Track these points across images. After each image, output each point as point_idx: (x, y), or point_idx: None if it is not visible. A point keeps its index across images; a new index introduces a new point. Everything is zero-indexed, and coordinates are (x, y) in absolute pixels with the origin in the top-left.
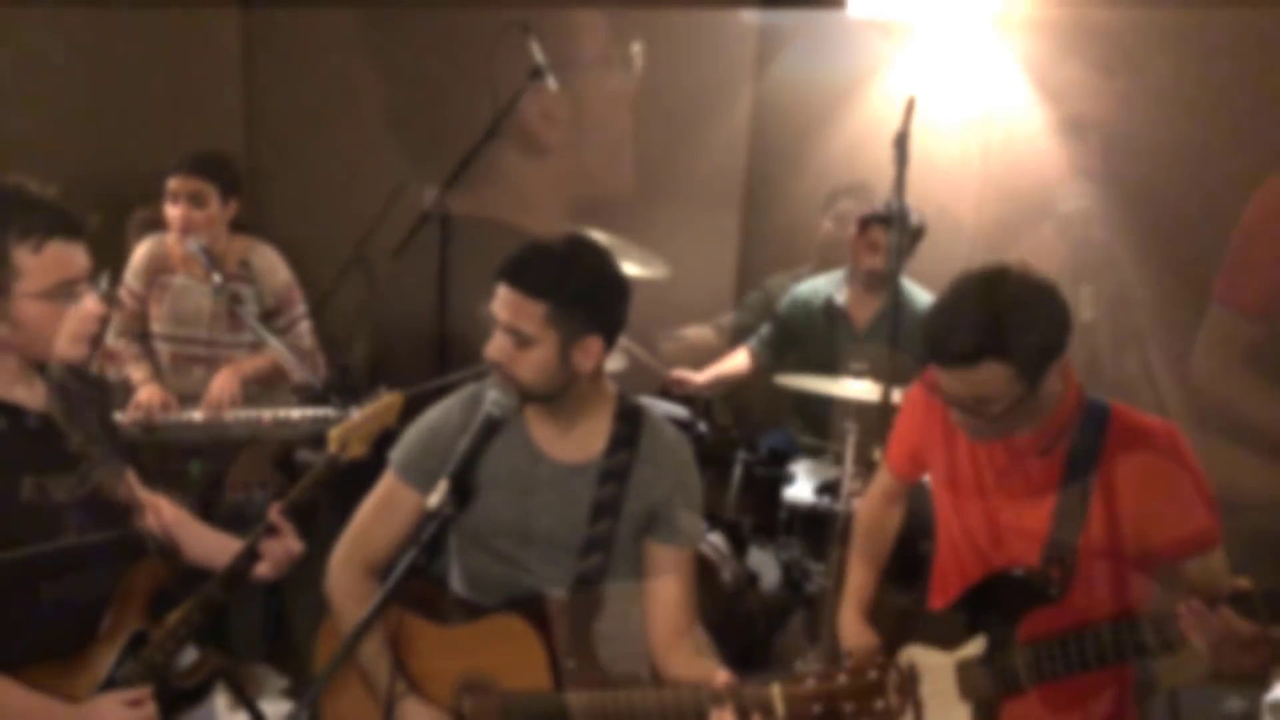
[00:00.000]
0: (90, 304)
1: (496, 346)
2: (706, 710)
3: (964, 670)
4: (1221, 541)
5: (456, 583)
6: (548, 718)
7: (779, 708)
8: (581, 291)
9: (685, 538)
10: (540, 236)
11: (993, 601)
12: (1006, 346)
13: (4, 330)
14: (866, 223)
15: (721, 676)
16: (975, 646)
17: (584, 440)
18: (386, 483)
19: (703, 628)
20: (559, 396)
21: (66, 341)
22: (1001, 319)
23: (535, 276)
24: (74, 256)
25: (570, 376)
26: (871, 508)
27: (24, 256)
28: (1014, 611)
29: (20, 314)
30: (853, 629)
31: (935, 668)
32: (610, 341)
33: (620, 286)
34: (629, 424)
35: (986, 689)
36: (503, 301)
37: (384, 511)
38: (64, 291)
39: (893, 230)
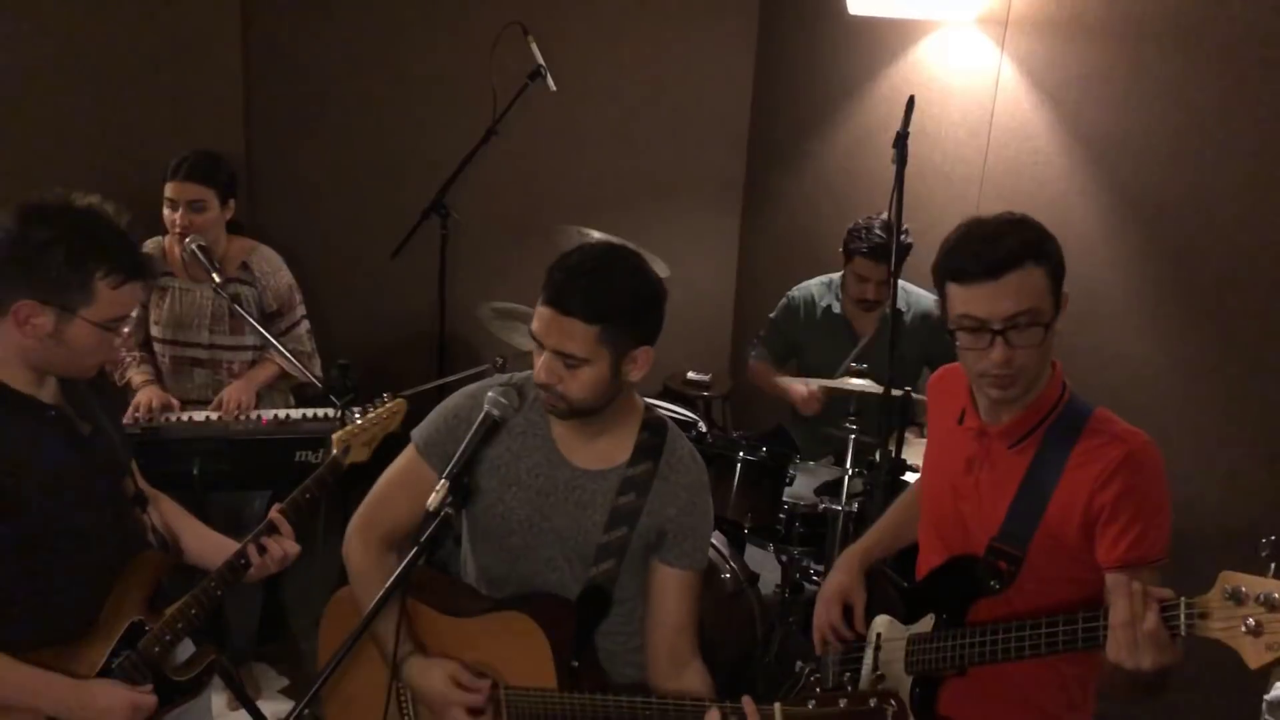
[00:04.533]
0: (124, 336)
1: (546, 369)
2: None
3: (911, 645)
4: (1158, 562)
5: (468, 575)
6: (549, 716)
7: None
8: (633, 308)
9: (690, 560)
10: (578, 254)
11: (946, 585)
12: (1043, 249)
13: (49, 345)
14: (851, 254)
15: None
16: (925, 625)
17: (608, 448)
18: (408, 458)
19: (702, 629)
20: (605, 407)
21: (88, 366)
22: (1029, 226)
23: (587, 301)
24: (137, 296)
25: (619, 388)
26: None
27: (104, 289)
28: (963, 598)
29: (74, 335)
30: (847, 568)
31: (892, 639)
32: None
33: (661, 291)
34: (654, 436)
35: (925, 665)
36: (550, 326)
37: (403, 485)
38: (119, 325)
39: (887, 237)
